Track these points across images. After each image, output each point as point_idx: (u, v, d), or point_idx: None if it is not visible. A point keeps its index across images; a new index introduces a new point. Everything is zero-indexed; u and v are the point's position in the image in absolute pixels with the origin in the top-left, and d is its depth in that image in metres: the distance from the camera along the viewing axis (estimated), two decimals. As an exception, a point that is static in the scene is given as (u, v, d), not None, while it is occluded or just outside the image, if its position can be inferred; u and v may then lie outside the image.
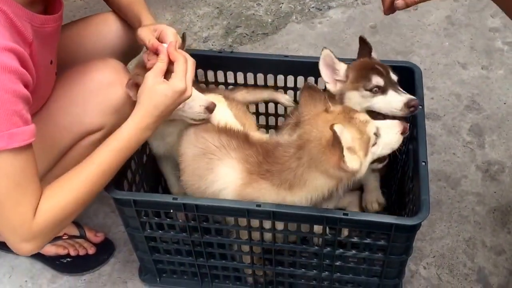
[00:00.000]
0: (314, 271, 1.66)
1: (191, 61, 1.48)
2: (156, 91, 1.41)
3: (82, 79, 1.58)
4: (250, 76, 1.92)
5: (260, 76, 1.92)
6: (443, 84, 2.39)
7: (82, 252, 1.90)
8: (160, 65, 1.45)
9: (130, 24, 1.75)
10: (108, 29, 1.82)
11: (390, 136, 1.43)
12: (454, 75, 2.42)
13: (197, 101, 1.57)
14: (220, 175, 1.51)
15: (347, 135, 1.30)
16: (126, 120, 1.47)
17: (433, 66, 2.47)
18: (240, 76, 1.92)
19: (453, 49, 2.53)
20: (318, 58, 1.94)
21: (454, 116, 2.27)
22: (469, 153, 2.14)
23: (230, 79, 1.95)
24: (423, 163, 1.50)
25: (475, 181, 2.05)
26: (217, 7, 2.86)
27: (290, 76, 1.89)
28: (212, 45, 2.65)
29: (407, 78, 1.76)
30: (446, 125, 2.24)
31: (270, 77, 1.91)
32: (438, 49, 2.54)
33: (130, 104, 1.51)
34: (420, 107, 1.65)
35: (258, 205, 1.45)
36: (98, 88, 1.56)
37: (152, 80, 1.42)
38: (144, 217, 1.59)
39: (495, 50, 2.50)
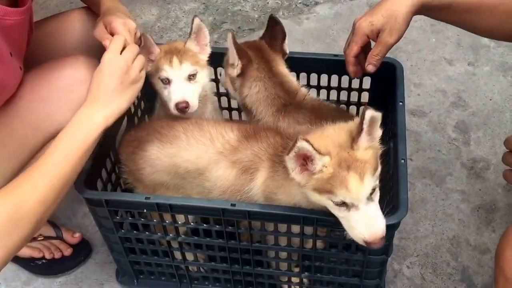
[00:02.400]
0: (295, 271, 1.62)
1: (133, 46, 1.45)
2: (96, 71, 1.38)
3: (52, 76, 1.53)
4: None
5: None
6: (429, 81, 2.36)
7: (57, 255, 1.85)
8: (114, 43, 1.42)
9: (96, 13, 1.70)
10: (81, 25, 1.77)
11: (358, 224, 1.22)
12: (440, 72, 2.39)
13: (173, 95, 1.55)
14: None
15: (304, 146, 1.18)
16: None
17: (419, 62, 2.43)
18: (222, 72, 1.88)
19: (440, 46, 2.49)
20: (300, 53, 1.92)
21: (440, 112, 2.23)
22: (455, 150, 2.10)
23: (212, 75, 1.90)
24: (402, 161, 1.46)
25: (460, 178, 2.01)
26: (203, 3, 2.82)
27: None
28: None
29: (390, 74, 1.73)
30: (432, 121, 2.20)
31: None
32: (425, 46, 2.50)
33: None
34: (401, 103, 1.62)
35: (233, 205, 1.41)
36: (70, 85, 1.51)
37: (104, 57, 1.40)
38: (118, 217, 1.55)
39: (482, 47, 2.46)
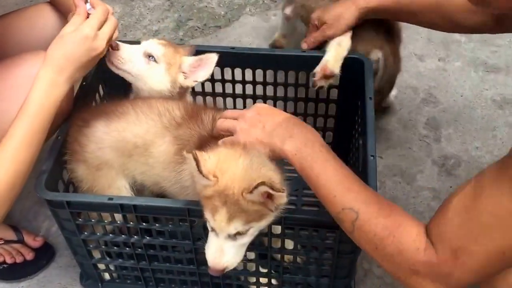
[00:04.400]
0: (264, 271, 1.58)
1: (112, 20, 1.42)
2: (66, 40, 1.34)
3: (10, 72, 1.48)
4: (196, 69, 1.83)
5: (206, 69, 1.83)
6: (400, 77, 2.31)
7: (19, 260, 1.78)
8: (76, 17, 1.38)
9: (64, 15, 1.65)
10: (43, 21, 1.71)
11: (210, 245, 1.25)
12: (411, 68, 2.37)
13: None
14: None
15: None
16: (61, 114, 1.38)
17: (389, 58, 2.41)
18: (185, 70, 1.83)
19: (411, 41, 2.48)
20: (267, 50, 1.88)
21: (411, 109, 2.21)
22: (425, 147, 2.09)
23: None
24: (372, 157, 1.44)
25: (431, 176, 2.00)
26: (168, 0, 2.76)
27: (238, 68, 1.81)
28: (163, 38, 2.54)
29: (357, 70, 1.70)
30: (403, 119, 2.18)
31: (217, 70, 1.82)
32: (395, 41, 2.48)
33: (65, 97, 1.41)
34: (370, 99, 1.59)
35: (199, 204, 1.36)
36: (27, 82, 1.45)
37: (64, 30, 1.36)
38: (80, 219, 1.49)
39: (452, 42, 2.46)
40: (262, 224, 1.24)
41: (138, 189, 1.55)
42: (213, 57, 1.58)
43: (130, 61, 1.56)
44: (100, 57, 1.42)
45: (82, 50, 1.35)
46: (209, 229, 1.25)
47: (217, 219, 1.20)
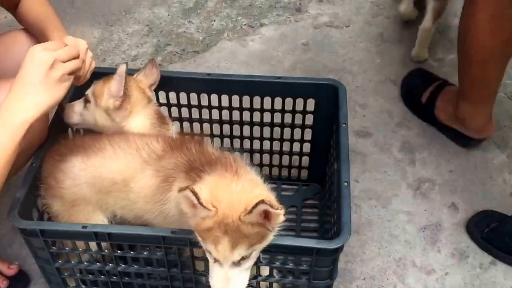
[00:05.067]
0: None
1: (80, 60, 1.41)
2: (22, 65, 1.33)
3: None
4: (172, 95, 1.85)
5: (183, 95, 1.84)
6: (375, 102, 2.37)
7: None
8: (50, 42, 1.39)
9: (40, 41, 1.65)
10: (19, 47, 1.71)
11: (215, 277, 1.24)
12: (385, 92, 2.40)
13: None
14: None
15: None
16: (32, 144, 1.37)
17: (365, 83, 2.45)
18: (162, 95, 1.84)
19: (385, 66, 2.52)
20: (242, 76, 1.91)
21: (386, 133, 2.24)
22: (400, 170, 2.11)
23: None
24: (345, 184, 1.45)
25: (406, 199, 2.02)
26: (147, 25, 2.77)
27: (214, 94, 1.83)
28: (141, 63, 2.56)
29: (332, 95, 1.73)
30: (378, 142, 2.21)
31: (194, 96, 1.84)
32: (370, 66, 2.52)
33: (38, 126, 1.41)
34: (344, 125, 1.61)
35: (174, 232, 1.37)
36: None
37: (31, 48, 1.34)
38: (54, 248, 1.48)
39: (426, 67, 2.49)
40: (264, 244, 1.25)
41: (119, 223, 1.54)
42: (121, 68, 1.57)
43: (74, 113, 1.65)
44: (65, 86, 1.38)
45: (35, 68, 1.32)
46: (211, 260, 1.24)
47: (220, 250, 1.19)
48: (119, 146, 1.45)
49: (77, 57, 1.41)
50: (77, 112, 1.65)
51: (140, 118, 1.63)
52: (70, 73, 1.38)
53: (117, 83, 1.58)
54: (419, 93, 2.27)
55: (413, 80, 2.36)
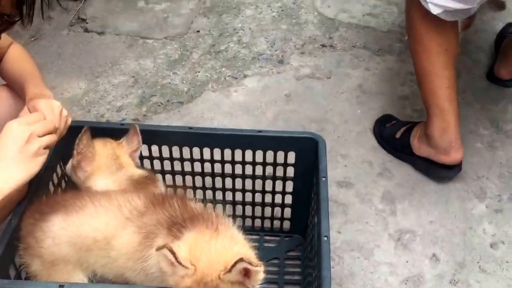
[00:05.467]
0: None
1: (48, 122, 1.42)
2: (1, 134, 1.35)
3: None
4: (155, 148, 1.87)
5: (165, 148, 1.86)
6: (356, 152, 2.41)
7: None
8: (27, 116, 1.41)
9: (21, 98, 1.67)
10: (2, 104, 1.73)
11: None
12: (366, 143, 2.44)
13: None
14: None
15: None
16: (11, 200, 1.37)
17: (346, 133, 2.49)
18: (144, 149, 1.85)
19: (366, 117, 2.57)
20: (224, 129, 1.94)
21: (367, 183, 2.27)
22: (382, 221, 2.13)
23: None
24: (325, 238, 1.46)
25: (388, 250, 2.03)
26: (133, 76, 2.82)
27: (196, 147, 1.85)
28: (126, 114, 2.59)
29: (312, 149, 1.76)
30: (359, 193, 2.23)
31: (176, 149, 1.86)
32: (351, 117, 2.57)
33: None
34: (323, 178, 1.63)
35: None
36: None
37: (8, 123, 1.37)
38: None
39: (405, 118, 2.54)
40: None
41: (99, 281, 1.53)
42: (83, 130, 1.62)
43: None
44: (40, 161, 1.40)
45: (10, 141, 1.34)
46: None
47: None
48: (101, 204, 1.45)
49: (53, 131, 1.43)
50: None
51: (105, 183, 1.64)
52: (46, 147, 1.40)
53: (77, 142, 1.62)
54: (393, 131, 2.37)
55: (387, 119, 2.49)
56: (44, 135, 1.39)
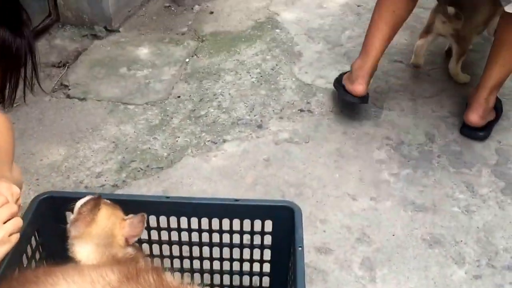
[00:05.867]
0: None
1: (11, 205, 1.40)
2: None
3: None
4: (132, 217, 1.86)
5: (142, 218, 1.86)
6: (334, 217, 2.42)
7: None
8: None
9: None
10: None
11: None
12: (344, 207, 2.46)
13: None
14: None
15: None
16: None
17: (324, 198, 2.51)
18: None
19: (343, 181, 2.59)
20: (201, 198, 1.95)
21: (346, 249, 2.27)
22: (361, 288, 2.12)
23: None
24: (301, 310, 1.46)
25: (368, 318, 2.02)
26: (113, 141, 2.83)
27: (173, 217, 1.85)
28: (105, 180, 2.59)
29: (288, 217, 1.77)
30: (338, 259, 2.23)
31: (153, 218, 1.86)
32: (329, 181, 2.59)
33: None
34: (300, 248, 1.64)
35: None
36: None
37: None
38: None
39: (382, 182, 2.58)
40: None
41: None
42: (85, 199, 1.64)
43: None
44: (4, 249, 1.39)
45: None
46: None
47: None
48: (73, 280, 1.43)
49: (16, 215, 1.42)
50: None
51: (88, 251, 1.62)
52: (11, 234, 1.39)
53: (83, 201, 1.63)
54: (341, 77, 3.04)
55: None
56: (8, 219, 1.37)
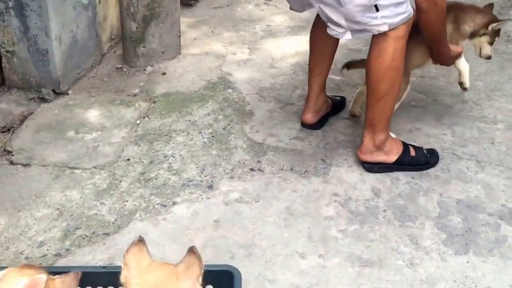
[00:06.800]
0: None
1: None
2: None
3: None
4: (68, 289, 1.80)
5: (78, 289, 1.80)
6: (283, 276, 2.39)
7: None
8: None
9: None
10: None
11: None
12: (293, 266, 2.43)
13: None
14: None
15: None
16: None
17: (273, 257, 2.48)
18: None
19: (292, 239, 2.57)
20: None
21: (296, 310, 2.23)
22: None
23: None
24: None
25: None
26: (58, 208, 2.77)
27: (111, 286, 1.80)
28: (48, 249, 2.52)
29: (228, 281, 1.74)
30: (288, 320, 2.18)
31: (90, 289, 1.80)
32: (279, 240, 2.57)
33: None
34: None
35: None
36: None
37: None
38: None
39: (330, 238, 2.57)
40: None
41: None
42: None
43: None
44: None
45: None
46: None
47: None
48: None
49: None
50: None
51: None
52: None
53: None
54: None
55: None
56: None
